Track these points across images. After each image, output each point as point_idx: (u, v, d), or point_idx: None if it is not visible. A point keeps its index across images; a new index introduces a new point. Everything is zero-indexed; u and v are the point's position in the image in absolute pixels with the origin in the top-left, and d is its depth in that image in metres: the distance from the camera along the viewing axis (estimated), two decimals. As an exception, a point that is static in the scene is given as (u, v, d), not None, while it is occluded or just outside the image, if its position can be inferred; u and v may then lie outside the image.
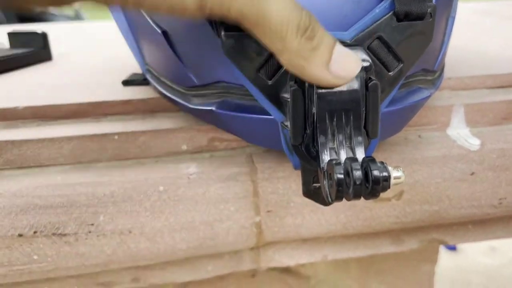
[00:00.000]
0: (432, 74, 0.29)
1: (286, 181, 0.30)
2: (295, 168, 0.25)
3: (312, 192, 0.25)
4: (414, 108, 0.27)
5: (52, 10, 3.50)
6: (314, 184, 0.25)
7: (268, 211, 0.30)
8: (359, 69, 0.21)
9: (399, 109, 0.26)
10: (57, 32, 0.74)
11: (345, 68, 0.21)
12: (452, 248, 1.21)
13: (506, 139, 0.32)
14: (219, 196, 0.29)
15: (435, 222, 0.33)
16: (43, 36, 0.47)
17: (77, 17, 4.16)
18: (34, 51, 0.46)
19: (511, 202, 0.33)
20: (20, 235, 0.28)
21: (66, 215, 0.28)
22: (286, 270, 0.48)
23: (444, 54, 0.30)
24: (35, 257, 0.29)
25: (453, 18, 0.30)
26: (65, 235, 0.29)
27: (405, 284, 0.53)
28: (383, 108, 0.24)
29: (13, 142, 0.29)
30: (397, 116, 0.26)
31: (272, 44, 0.20)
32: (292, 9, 0.19)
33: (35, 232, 0.28)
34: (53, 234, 0.28)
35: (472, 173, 0.31)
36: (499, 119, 0.33)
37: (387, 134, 0.28)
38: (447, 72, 0.36)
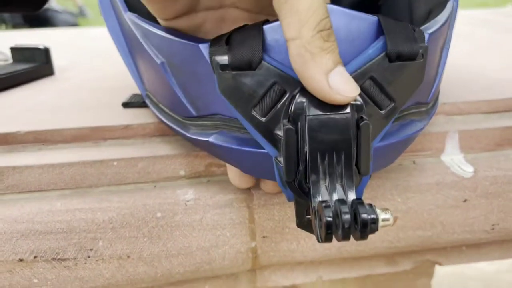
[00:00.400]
0: (426, 106, 0.29)
1: (281, 207, 0.31)
2: (289, 200, 0.26)
3: (305, 224, 0.26)
4: (408, 141, 0.28)
5: (56, 6, 3.51)
6: (308, 216, 0.26)
7: (264, 237, 0.31)
8: (356, 94, 0.21)
9: (392, 143, 0.26)
10: (60, 39, 0.75)
11: (344, 87, 0.21)
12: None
13: (499, 166, 0.32)
14: (215, 222, 0.30)
15: (428, 247, 0.34)
16: (46, 52, 0.48)
17: (80, 13, 4.17)
18: (36, 66, 0.47)
19: (503, 228, 0.33)
20: (21, 260, 0.29)
21: (66, 241, 0.29)
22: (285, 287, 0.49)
23: (438, 85, 0.30)
24: (35, 280, 0.30)
25: (447, 49, 0.30)
26: (64, 259, 0.29)
27: (402, 297, 0.54)
28: (376, 143, 0.25)
29: (14, 168, 0.30)
30: (391, 149, 0.27)
31: (289, 27, 0.21)
32: (321, 6, 0.21)
33: (35, 257, 0.29)
34: (53, 259, 0.29)
35: (465, 200, 0.32)
36: (493, 145, 0.34)
37: (380, 167, 0.28)
38: (442, 97, 0.36)
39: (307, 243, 0.32)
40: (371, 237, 0.32)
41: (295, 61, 0.21)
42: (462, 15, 0.86)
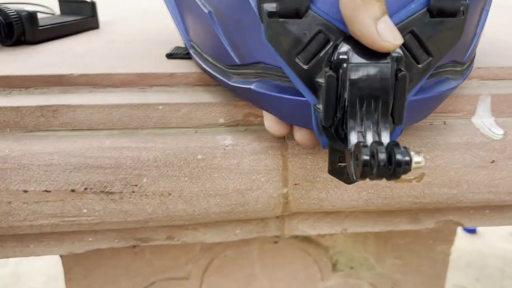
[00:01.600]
0: (461, 65, 0.30)
1: (314, 157, 0.32)
2: (323, 147, 0.28)
3: (337, 171, 0.28)
4: (441, 97, 0.29)
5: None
6: (339, 164, 0.27)
7: (295, 184, 0.33)
8: (400, 42, 0.23)
9: (425, 98, 0.27)
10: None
11: (391, 34, 0.22)
12: (472, 231, 1.22)
13: (529, 131, 0.33)
14: (251, 167, 0.32)
15: (452, 205, 0.35)
16: (92, 5, 0.50)
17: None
18: (83, 19, 0.49)
19: (528, 191, 0.34)
20: (72, 191, 0.32)
21: (113, 176, 0.32)
22: (307, 240, 0.51)
23: (475, 47, 0.31)
24: (85, 210, 0.32)
25: (487, 11, 0.31)
26: (111, 193, 0.32)
27: (420, 261, 0.55)
28: (410, 96, 0.26)
29: (68, 106, 0.32)
30: (424, 104, 0.28)
31: None
32: None
33: (85, 189, 0.32)
34: (101, 191, 0.32)
35: (493, 161, 0.33)
36: (525, 110, 0.35)
37: (412, 121, 0.29)
38: (477, 62, 0.37)
39: (336, 193, 0.33)
40: (398, 192, 0.33)
41: (345, 7, 0.22)
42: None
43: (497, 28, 0.50)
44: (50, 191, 0.31)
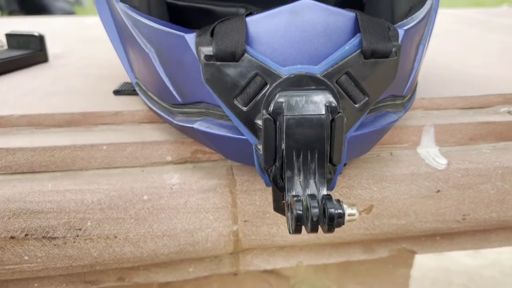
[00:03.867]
0: (402, 99, 0.31)
1: (262, 193, 0.32)
2: (267, 185, 0.27)
3: (282, 208, 0.28)
4: (381, 131, 0.29)
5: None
6: (284, 201, 0.27)
7: (245, 221, 0.33)
8: None
9: (366, 133, 0.28)
10: (55, 26, 0.76)
11: None
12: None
13: (471, 159, 0.34)
14: (199, 206, 0.32)
15: (403, 234, 0.35)
16: (40, 39, 0.49)
17: (77, 2, 4.14)
18: (31, 53, 0.48)
19: (474, 218, 0.35)
20: (12, 237, 0.30)
21: (56, 220, 0.30)
22: (267, 270, 0.51)
23: (414, 80, 0.32)
24: (26, 257, 0.31)
25: (424, 45, 0.32)
26: (54, 238, 0.31)
27: (382, 285, 0.56)
28: (350, 133, 0.26)
29: (7, 150, 0.31)
30: (365, 139, 0.28)
31: None
32: None
33: (26, 235, 0.30)
34: (43, 237, 0.31)
35: (438, 191, 0.34)
36: (467, 139, 0.36)
37: (355, 155, 0.30)
38: (421, 92, 0.38)
39: (286, 228, 0.33)
40: (348, 224, 0.33)
41: None
42: (453, 14, 0.88)
43: (442, 53, 0.52)
44: (-13, 240, 0.30)
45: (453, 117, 0.36)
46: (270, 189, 0.32)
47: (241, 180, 0.32)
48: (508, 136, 0.36)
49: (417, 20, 0.29)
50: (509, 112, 0.37)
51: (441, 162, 0.34)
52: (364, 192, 0.33)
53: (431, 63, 0.46)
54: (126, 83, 0.39)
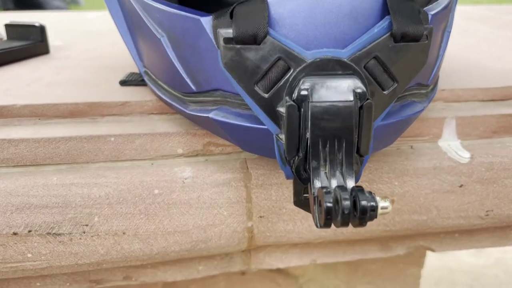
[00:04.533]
0: (426, 88, 0.29)
1: (279, 188, 0.31)
2: (287, 178, 0.26)
3: (302, 202, 0.26)
4: (408, 121, 0.28)
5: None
6: (305, 195, 0.26)
7: (261, 217, 0.31)
8: None
9: (393, 123, 0.26)
10: (54, 21, 0.74)
11: None
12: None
13: (495, 153, 0.33)
14: (212, 201, 0.30)
15: (422, 231, 0.34)
16: (41, 29, 0.47)
17: (73, 1, 4.11)
18: (31, 44, 0.46)
19: (497, 214, 0.34)
20: (14, 234, 0.29)
21: (61, 215, 0.29)
22: (275, 269, 0.49)
23: (439, 68, 0.30)
24: (29, 255, 0.29)
25: (449, 32, 0.30)
26: (59, 234, 0.29)
27: (392, 285, 0.54)
28: (377, 122, 0.25)
29: (9, 141, 0.29)
30: (391, 129, 0.27)
31: None
32: None
33: (29, 231, 0.29)
34: (48, 233, 0.29)
35: (461, 185, 0.32)
36: (489, 132, 0.34)
37: (380, 146, 0.28)
38: (441, 84, 0.36)
39: (303, 224, 0.32)
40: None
41: None
42: (462, 10, 0.87)
43: (458, 48, 0.51)
44: (-12, 236, 0.28)
45: (475, 109, 0.35)
46: (287, 183, 0.31)
47: (256, 174, 0.30)
48: (532, 129, 0.35)
49: (443, 5, 0.28)
50: (532, 104, 0.36)
51: (464, 155, 0.32)
52: (385, 187, 0.31)
53: (448, 55, 0.44)
54: (133, 73, 0.38)
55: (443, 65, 0.38)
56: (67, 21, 0.76)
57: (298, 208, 0.27)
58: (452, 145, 0.33)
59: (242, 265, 0.36)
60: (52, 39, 0.53)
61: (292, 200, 0.29)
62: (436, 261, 1.07)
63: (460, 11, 0.86)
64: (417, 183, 0.32)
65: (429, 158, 0.32)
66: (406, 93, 0.27)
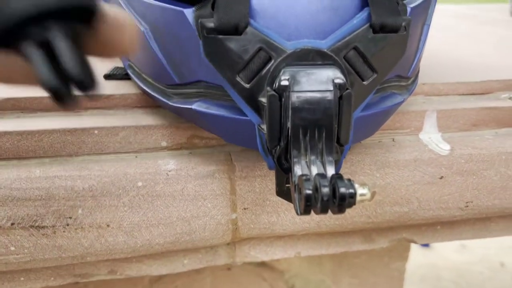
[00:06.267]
0: (406, 80, 0.30)
1: (263, 180, 0.31)
2: (270, 168, 0.26)
3: (285, 193, 0.26)
4: (388, 113, 0.28)
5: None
6: (287, 185, 0.26)
7: (245, 209, 0.31)
8: None
9: (372, 114, 0.27)
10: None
11: None
12: (425, 245, 1.25)
13: (474, 145, 0.33)
14: (196, 193, 0.30)
15: (404, 223, 0.35)
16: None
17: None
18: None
19: (476, 205, 0.34)
20: (-3, 226, 0.28)
21: (44, 208, 0.29)
22: (261, 264, 0.49)
23: (419, 61, 0.31)
24: (12, 248, 0.29)
25: (428, 25, 0.31)
26: (42, 227, 0.29)
27: (377, 279, 0.55)
28: (357, 113, 0.25)
29: (-8, 134, 0.29)
30: (371, 120, 0.27)
31: None
32: None
33: (12, 224, 0.29)
34: (31, 226, 0.29)
35: (441, 177, 0.33)
36: (469, 125, 0.35)
37: (360, 137, 0.29)
38: (422, 78, 0.37)
39: (287, 216, 0.32)
40: (349, 211, 0.32)
41: None
42: (447, 9, 0.88)
43: (439, 43, 0.51)
44: (-30, 229, 0.28)
45: (455, 102, 0.35)
46: (270, 175, 0.31)
47: (240, 166, 0.31)
48: (510, 122, 0.35)
49: (423, -1, 0.28)
50: (510, 98, 0.37)
51: (444, 147, 0.33)
52: (367, 179, 0.32)
53: (429, 51, 0.45)
54: (117, 68, 0.38)
55: (424, 59, 0.39)
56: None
57: (282, 200, 0.27)
58: (433, 138, 0.34)
59: (227, 258, 0.36)
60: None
61: (275, 191, 0.29)
62: (421, 258, 1.09)
63: (445, 9, 0.87)
64: (399, 175, 0.32)
65: (410, 150, 0.33)
66: (386, 85, 0.27)
